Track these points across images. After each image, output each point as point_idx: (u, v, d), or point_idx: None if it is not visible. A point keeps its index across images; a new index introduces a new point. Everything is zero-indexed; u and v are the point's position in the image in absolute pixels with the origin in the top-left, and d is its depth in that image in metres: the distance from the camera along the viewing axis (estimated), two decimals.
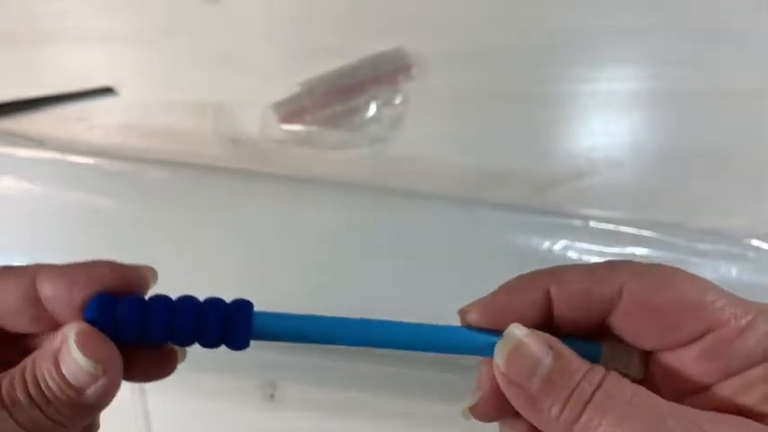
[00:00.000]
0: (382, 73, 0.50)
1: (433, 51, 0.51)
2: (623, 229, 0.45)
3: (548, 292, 0.22)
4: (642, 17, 0.52)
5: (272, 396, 0.46)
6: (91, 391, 0.20)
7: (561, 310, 0.22)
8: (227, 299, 0.22)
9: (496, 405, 0.22)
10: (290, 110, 0.50)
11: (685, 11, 0.52)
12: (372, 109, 0.50)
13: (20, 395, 0.20)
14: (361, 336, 0.22)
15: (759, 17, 0.52)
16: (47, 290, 0.21)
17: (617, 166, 0.50)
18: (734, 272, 0.44)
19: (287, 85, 0.50)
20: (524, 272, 0.46)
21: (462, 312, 0.23)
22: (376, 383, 0.46)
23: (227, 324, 0.22)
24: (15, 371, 0.21)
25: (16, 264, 0.22)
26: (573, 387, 0.19)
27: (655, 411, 0.19)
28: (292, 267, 0.44)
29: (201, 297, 0.22)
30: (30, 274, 0.22)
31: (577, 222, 0.45)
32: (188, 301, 0.22)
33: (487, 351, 0.22)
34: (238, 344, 0.22)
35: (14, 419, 0.19)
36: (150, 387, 0.47)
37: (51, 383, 0.20)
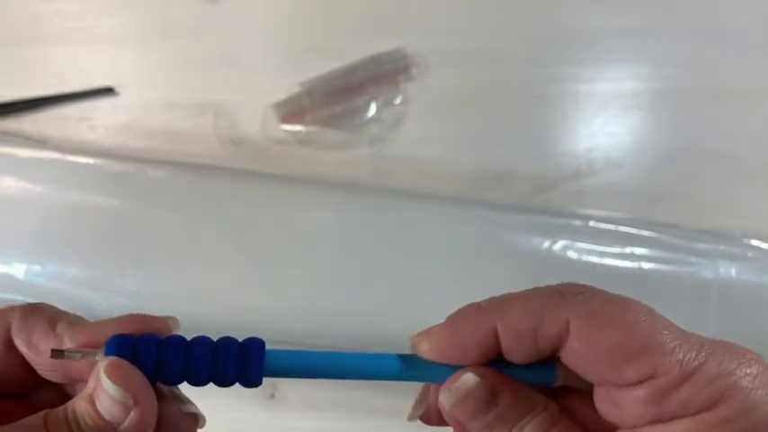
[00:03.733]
0: (382, 73, 0.50)
1: (433, 51, 0.51)
2: (623, 229, 0.45)
3: (495, 329, 0.22)
4: (642, 17, 0.52)
5: (272, 396, 0.46)
6: (126, 424, 0.21)
7: (508, 346, 0.22)
8: (236, 334, 0.23)
9: (441, 419, 0.23)
10: (291, 110, 0.50)
11: (685, 11, 0.52)
12: (372, 109, 0.50)
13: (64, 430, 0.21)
14: (357, 370, 0.23)
15: (759, 17, 0.52)
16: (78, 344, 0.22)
17: (617, 166, 0.50)
18: (734, 272, 0.44)
19: (287, 86, 0.50)
20: (525, 272, 0.46)
21: (413, 341, 0.24)
22: (376, 383, 0.46)
23: (242, 363, 0.22)
24: (59, 411, 0.21)
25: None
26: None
27: None
28: (292, 267, 0.44)
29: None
30: (62, 330, 0.23)
31: (577, 222, 0.46)
32: (203, 341, 0.23)
33: (438, 379, 0.23)
34: (252, 382, 0.23)
35: None
36: None
37: (88, 420, 0.21)
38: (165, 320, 0.23)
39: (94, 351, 0.22)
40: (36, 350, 0.23)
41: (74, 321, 0.23)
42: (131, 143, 0.50)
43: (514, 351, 0.22)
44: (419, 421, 0.24)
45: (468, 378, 0.22)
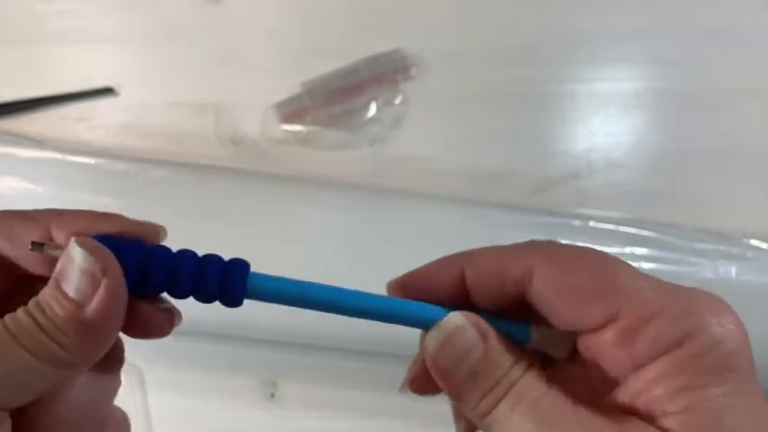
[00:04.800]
0: (382, 73, 0.50)
1: (433, 51, 0.51)
2: (623, 229, 0.45)
3: (462, 272, 0.22)
4: (642, 17, 0.52)
5: (272, 395, 0.46)
6: (93, 304, 0.20)
7: (475, 289, 0.22)
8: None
9: (432, 382, 0.22)
10: (291, 110, 0.50)
11: (685, 11, 0.52)
12: (372, 109, 0.50)
13: (23, 319, 0.20)
14: (338, 303, 0.23)
15: (759, 17, 0.52)
16: (61, 237, 0.21)
17: (616, 166, 0.50)
18: (733, 271, 0.44)
19: (287, 86, 0.50)
20: None
21: (388, 285, 0.24)
22: (376, 383, 0.46)
23: (224, 280, 0.22)
24: (18, 310, 0.20)
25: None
26: (493, 383, 0.20)
27: (555, 415, 0.19)
28: (292, 267, 0.44)
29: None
30: (46, 219, 0.22)
31: (577, 222, 0.46)
32: (187, 254, 0.22)
33: (422, 323, 0.22)
34: (233, 301, 0.22)
35: (19, 343, 0.19)
36: (151, 386, 0.47)
37: (52, 302, 0.20)
38: (154, 226, 0.23)
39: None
40: (19, 244, 0.21)
41: (59, 211, 0.22)
42: (131, 143, 0.50)
43: (482, 292, 0.22)
44: (411, 393, 0.24)
45: (455, 316, 0.21)
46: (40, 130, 0.50)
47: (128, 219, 0.22)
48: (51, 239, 0.21)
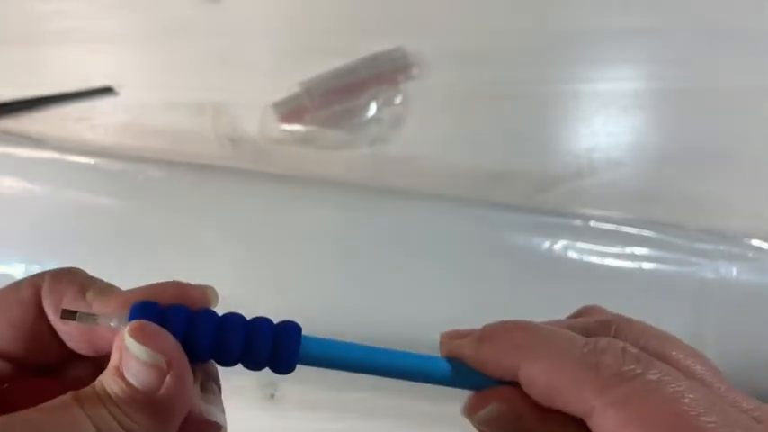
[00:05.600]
0: (382, 73, 0.50)
1: (433, 51, 0.51)
2: (623, 229, 0.45)
3: (517, 369, 0.20)
4: (642, 17, 0.52)
5: (272, 396, 0.46)
6: (164, 390, 0.19)
7: (527, 390, 0.20)
8: (247, 312, 0.22)
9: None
10: (290, 110, 0.50)
11: (685, 11, 0.52)
12: (372, 109, 0.50)
13: (101, 410, 0.19)
14: (398, 367, 0.22)
15: (759, 17, 0.52)
16: (109, 309, 0.21)
17: (617, 166, 0.50)
18: (734, 272, 0.44)
19: (287, 85, 0.50)
20: (525, 272, 0.46)
21: (443, 338, 0.23)
22: (376, 383, 0.46)
23: (276, 346, 0.21)
24: (88, 388, 0.19)
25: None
26: None
27: None
28: (292, 267, 0.44)
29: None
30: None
31: (577, 222, 0.45)
32: (237, 317, 0.21)
33: (463, 385, 0.22)
34: (285, 368, 0.21)
35: (96, 426, 0.18)
36: None
37: (120, 394, 0.19)
38: (203, 290, 0.21)
39: (111, 315, 0.20)
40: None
41: (105, 288, 0.21)
42: (131, 143, 0.50)
43: (533, 398, 0.20)
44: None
45: (492, 410, 0.21)
46: (39, 130, 0.50)
47: (178, 285, 0.21)
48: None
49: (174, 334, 0.20)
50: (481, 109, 0.51)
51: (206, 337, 0.20)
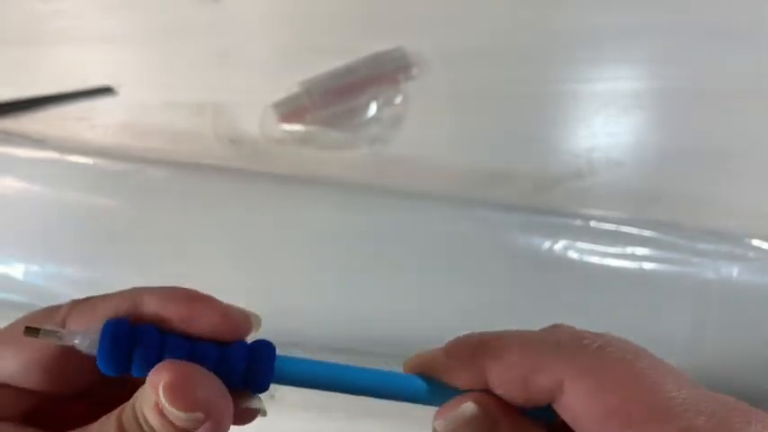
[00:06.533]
0: (382, 73, 0.50)
1: (433, 51, 0.51)
2: (623, 228, 0.45)
3: (485, 371, 0.21)
4: (642, 17, 0.52)
5: (272, 396, 0.46)
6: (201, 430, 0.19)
7: (499, 391, 0.21)
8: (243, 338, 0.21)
9: None
10: (290, 110, 0.50)
11: (685, 10, 0.52)
12: (372, 109, 0.50)
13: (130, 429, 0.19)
14: (364, 385, 0.22)
15: (759, 17, 0.52)
16: (151, 313, 0.20)
17: (617, 166, 0.50)
18: (735, 272, 0.44)
19: (287, 85, 0.50)
20: (525, 272, 0.46)
21: (405, 365, 0.23)
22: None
23: (250, 367, 0.21)
24: (127, 412, 0.20)
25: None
26: None
27: None
28: (292, 267, 0.44)
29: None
30: (132, 296, 0.21)
31: (577, 222, 0.45)
32: (209, 346, 0.21)
33: (437, 402, 0.22)
34: (260, 388, 0.21)
35: None
36: None
37: (162, 430, 0.19)
38: (248, 316, 0.21)
39: (75, 333, 0.19)
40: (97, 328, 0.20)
41: (97, 301, 0.21)
42: (130, 143, 0.50)
43: (505, 395, 0.20)
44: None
45: (468, 408, 0.20)
46: (39, 130, 0.50)
47: (223, 307, 0.21)
48: (141, 317, 0.20)
49: (146, 365, 0.19)
50: (481, 109, 0.51)
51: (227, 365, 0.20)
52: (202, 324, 0.20)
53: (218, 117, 0.51)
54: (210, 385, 0.20)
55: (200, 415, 0.19)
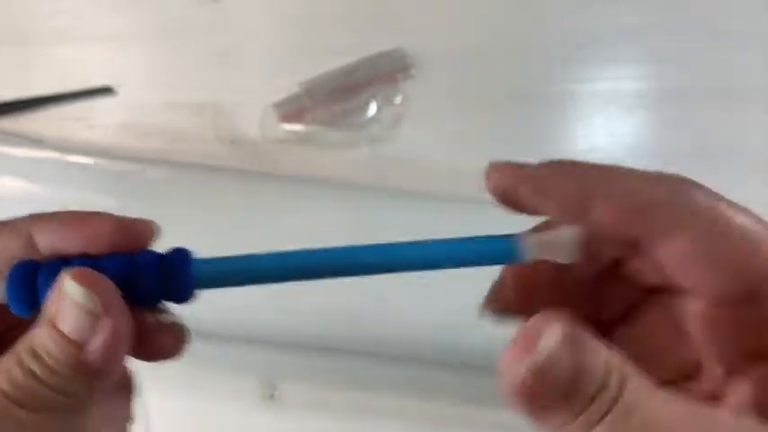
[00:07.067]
0: (382, 73, 0.50)
1: (433, 51, 0.51)
2: None
3: (588, 197, 0.19)
4: (642, 17, 0.52)
5: (272, 396, 0.46)
6: (94, 342, 0.18)
7: (603, 221, 0.19)
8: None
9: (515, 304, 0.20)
10: (290, 109, 0.50)
11: (685, 10, 0.52)
12: (372, 109, 0.50)
13: (17, 375, 0.17)
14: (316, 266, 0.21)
15: (759, 17, 0.52)
16: (46, 245, 0.19)
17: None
18: None
19: (287, 85, 0.50)
20: None
21: (489, 173, 0.21)
22: (376, 384, 0.46)
23: (164, 278, 0.20)
24: (11, 350, 0.18)
25: None
26: (588, 401, 0.16)
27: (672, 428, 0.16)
28: None
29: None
30: (26, 226, 0.20)
31: None
32: (117, 259, 0.20)
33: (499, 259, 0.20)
34: (180, 298, 0.20)
35: (18, 403, 0.17)
36: (150, 386, 0.47)
37: (49, 344, 0.18)
38: (146, 223, 0.20)
39: None
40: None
41: (40, 216, 0.20)
42: (130, 143, 0.50)
43: (605, 230, 0.19)
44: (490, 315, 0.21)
45: (550, 335, 0.17)
46: (38, 130, 0.50)
47: (116, 217, 0.20)
48: (36, 249, 0.19)
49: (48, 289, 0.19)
50: (481, 108, 0.51)
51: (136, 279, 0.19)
52: (101, 240, 0.20)
53: (219, 117, 0.51)
54: (113, 287, 0.18)
55: (98, 301, 0.18)
